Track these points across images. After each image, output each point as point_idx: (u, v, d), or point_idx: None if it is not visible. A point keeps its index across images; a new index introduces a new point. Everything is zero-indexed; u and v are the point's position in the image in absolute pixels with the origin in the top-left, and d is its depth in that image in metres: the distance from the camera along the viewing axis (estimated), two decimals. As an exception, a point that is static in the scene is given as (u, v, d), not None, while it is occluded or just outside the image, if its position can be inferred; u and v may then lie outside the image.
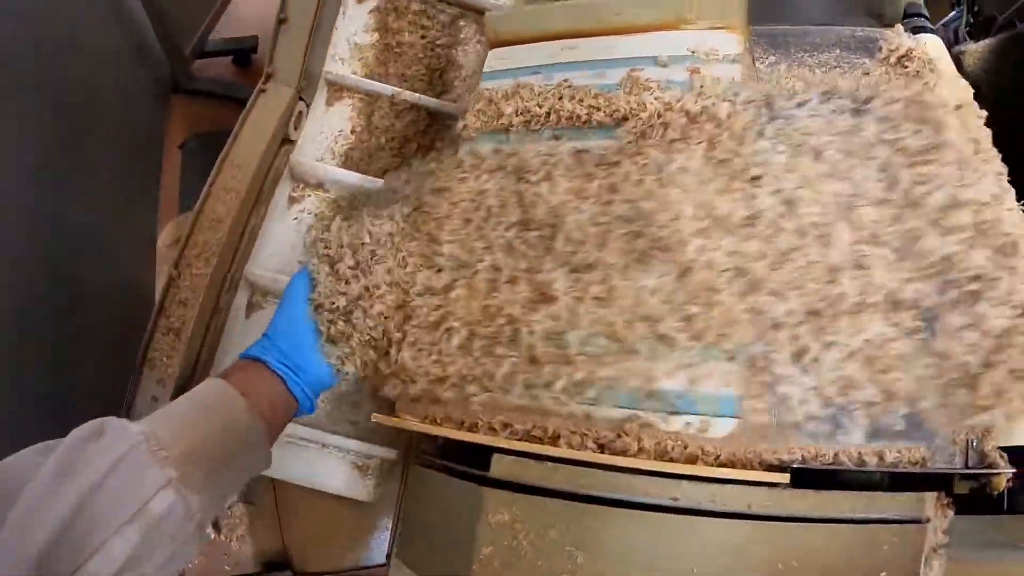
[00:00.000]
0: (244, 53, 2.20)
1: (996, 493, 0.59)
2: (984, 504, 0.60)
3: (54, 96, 1.14)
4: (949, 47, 0.91)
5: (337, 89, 1.26)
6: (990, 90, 0.87)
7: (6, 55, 0.99)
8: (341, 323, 0.76)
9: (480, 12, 1.28)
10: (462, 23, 1.38)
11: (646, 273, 0.68)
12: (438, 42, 1.37)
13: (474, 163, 0.84)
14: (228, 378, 0.70)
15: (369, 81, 1.26)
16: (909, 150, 0.68)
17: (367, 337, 0.77)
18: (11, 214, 1.00)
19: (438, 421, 0.74)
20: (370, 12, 1.33)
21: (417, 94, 1.27)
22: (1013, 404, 0.57)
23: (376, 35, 1.34)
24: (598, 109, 0.79)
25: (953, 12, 1.50)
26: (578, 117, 0.80)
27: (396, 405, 0.78)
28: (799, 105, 0.73)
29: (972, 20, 2.77)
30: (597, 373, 0.66)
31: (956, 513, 0.59)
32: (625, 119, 0.77)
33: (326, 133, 1.25)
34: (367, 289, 0.78)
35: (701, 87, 0.76)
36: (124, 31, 1.49)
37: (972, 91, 0.79)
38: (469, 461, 0.71)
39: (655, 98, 0.77)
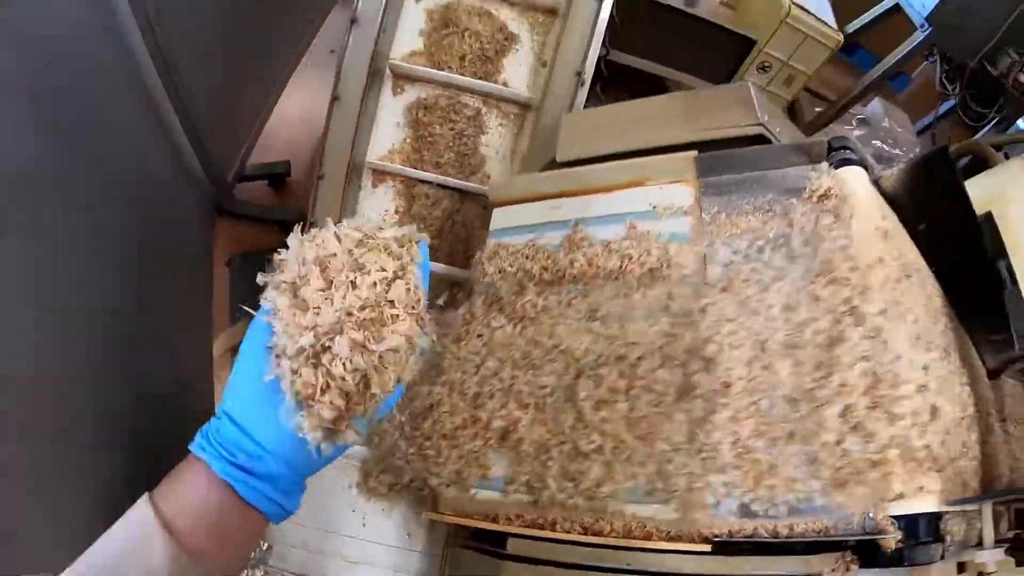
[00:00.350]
0: (278, 176, 2.59)
1: (890, 551, 0.77)
2: (885, 560, 0.79)
3: (120, 216, 1.28)
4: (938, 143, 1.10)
5: (380, 174, 1.58)
6: (909, 209, 1.06)
7: (80, 176, 1.12)
8: (307, 371, 0.60)
9: (499, 100, 1.60)
10: (484, 112, 1.68)
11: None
12: (465, 132, 1.66)
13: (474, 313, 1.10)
14: (160, 498, 0.60)
15: (407, 169, 1.62)
16: (821, 297, 0.88)
17: (348, 386, 0.61)
18: (96, 317, 1.09)
19: (470, 515, 0.98)
20: (406, 107, 1.68)
21: (449, 178, 1.61)
22: (892, 489, 0.77)
23: (410, 130, 1.68)
24: (546, 269, 1.05)
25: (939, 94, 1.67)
26: (537, 273, 1.06)
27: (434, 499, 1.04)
28: (734, 252, 0.95)
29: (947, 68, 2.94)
30: (588, 481, 0.90)
31: (862, 567, 0.78)
32: (564, 276, 1.04)
33: (375, 209, 1.58)
34: (347, 314, 0.61)
35: (641, 241, 1.01)
36: (174, 159, 1.70)
37: (892, 215, 0.98)
38: (493, 542, 0.97)
39: (591, 254, 1.03)
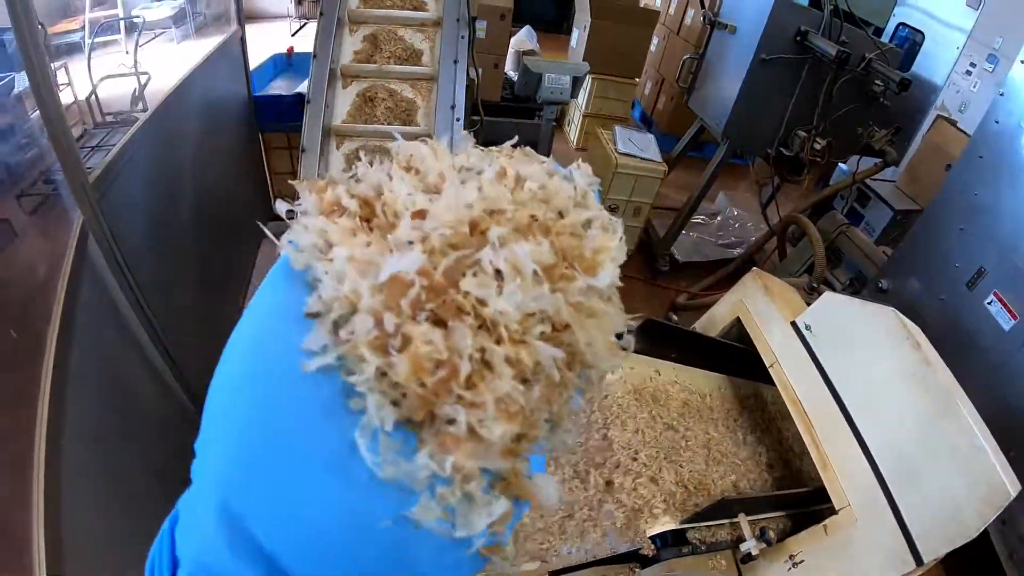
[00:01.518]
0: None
1: (651, 555, 1.45)
2: (650, 562, 1.46)
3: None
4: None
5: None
6: (649, 355, 1.77)
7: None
8: (421, 337, 0.32)
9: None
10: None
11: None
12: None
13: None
14: None
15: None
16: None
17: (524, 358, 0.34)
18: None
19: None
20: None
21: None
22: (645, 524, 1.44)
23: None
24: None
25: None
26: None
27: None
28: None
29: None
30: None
31: (642, 567, 1.45)
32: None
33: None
34: (494, 212, 0.37)
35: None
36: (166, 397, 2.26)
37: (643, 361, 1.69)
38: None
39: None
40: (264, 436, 0.34)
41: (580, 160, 0.50)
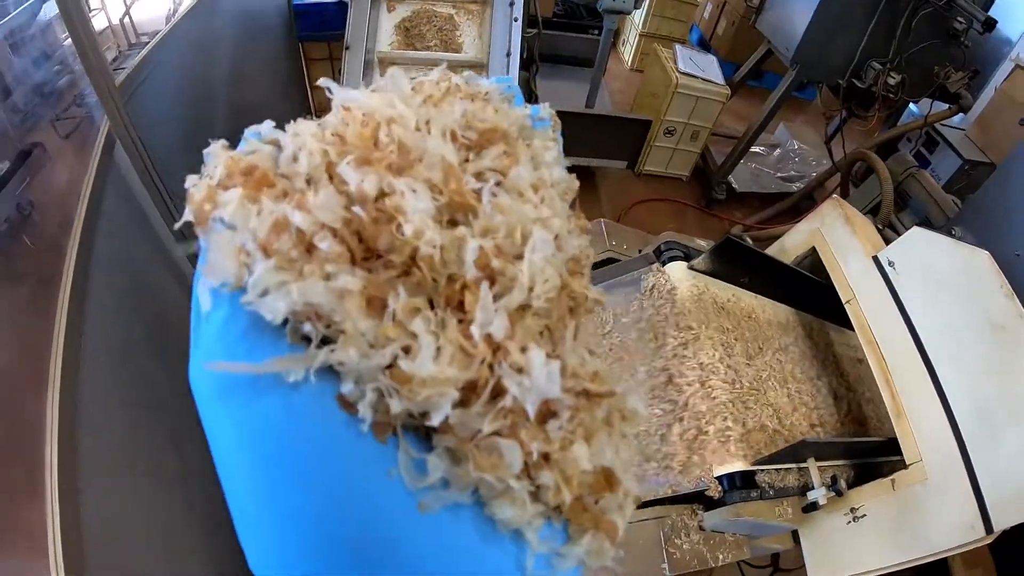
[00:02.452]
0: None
1: (716, 497, 1.33)
2: (715, 504, 1.35)
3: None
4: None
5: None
6: (727, 274, 1.64)
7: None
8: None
9: None
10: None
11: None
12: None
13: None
14: None
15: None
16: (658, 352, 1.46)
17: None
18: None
19: None
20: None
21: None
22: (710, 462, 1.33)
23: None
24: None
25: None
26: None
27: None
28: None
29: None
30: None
31: (705, 510, 1.34)
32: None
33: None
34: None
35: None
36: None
37: (704, 280, 1.56)
38: None
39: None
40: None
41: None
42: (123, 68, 1.88)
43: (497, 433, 0.30)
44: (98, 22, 4.15)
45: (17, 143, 1.97)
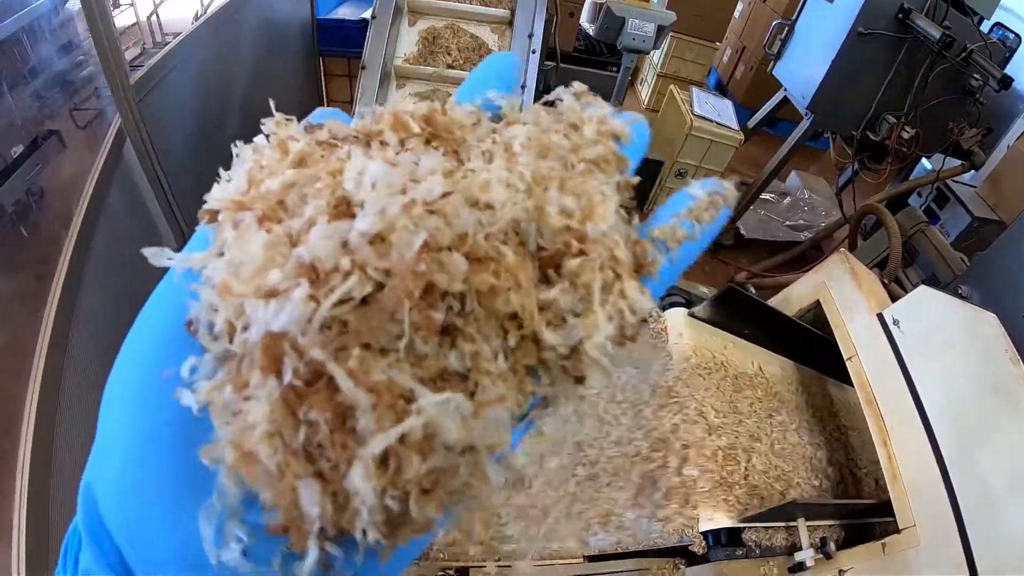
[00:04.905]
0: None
1: (700, 553, 1.29)
2: (698, 560, 1.31)
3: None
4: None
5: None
6: (728, 324, 1.60)
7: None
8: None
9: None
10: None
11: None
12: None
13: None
14: None
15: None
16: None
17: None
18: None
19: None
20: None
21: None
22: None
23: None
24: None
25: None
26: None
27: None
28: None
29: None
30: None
31: (688, 565, 1.30)
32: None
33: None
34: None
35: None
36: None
37: (706, 330, 1.53)
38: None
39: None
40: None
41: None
42: (143, 65, 1.88)
43: None
44: (126, 18, 4.22)
45: (33, 129, 1.98)
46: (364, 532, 0.23)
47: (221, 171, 0.30)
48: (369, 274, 0.23)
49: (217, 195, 0.28)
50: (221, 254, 0.26)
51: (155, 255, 0.27)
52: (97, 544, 0.27)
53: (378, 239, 0.24)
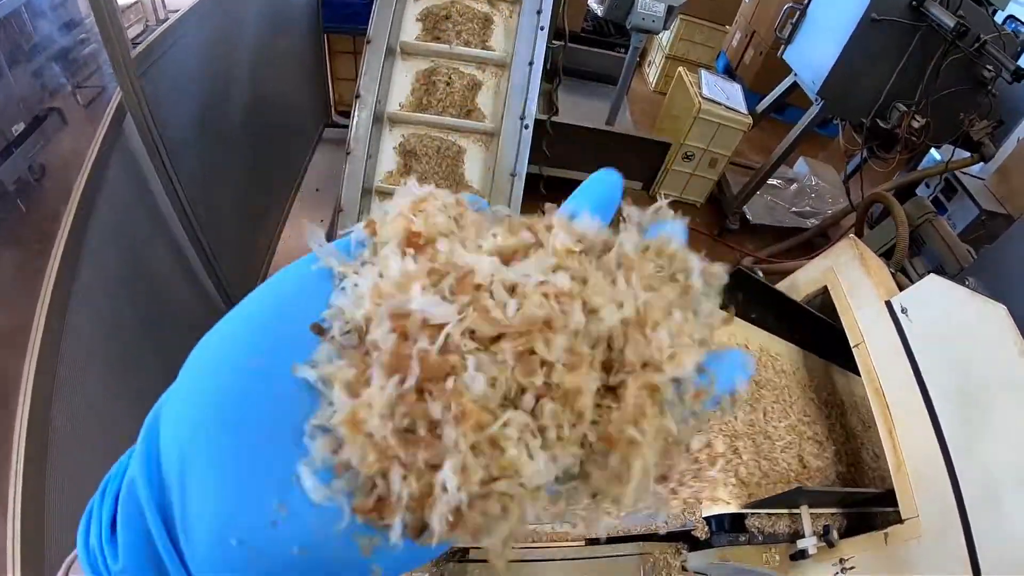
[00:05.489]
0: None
1: (703, 538, 1.28)
2: (701, 545, 1.30)
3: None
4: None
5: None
6: (736, 308, 1.59)
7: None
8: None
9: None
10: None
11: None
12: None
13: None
14: None
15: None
16: None
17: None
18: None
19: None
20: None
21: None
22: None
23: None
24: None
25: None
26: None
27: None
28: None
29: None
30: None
31: (690, 550, 1.29)
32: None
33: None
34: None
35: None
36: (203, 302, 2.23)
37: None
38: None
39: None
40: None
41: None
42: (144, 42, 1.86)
43: None
44: None
45: (35, 106, 1.97)
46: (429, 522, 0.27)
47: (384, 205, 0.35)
48: (496, 321, 0.29)
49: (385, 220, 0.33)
50: (366, 263, 0.32)
51: (320, 249, 0.33)
52: (149, 481, 0.29)
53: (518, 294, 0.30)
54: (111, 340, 1.64)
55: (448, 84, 2.22)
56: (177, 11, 2.08)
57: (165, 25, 1.97)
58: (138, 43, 1.80)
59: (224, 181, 2.45)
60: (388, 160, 2.18)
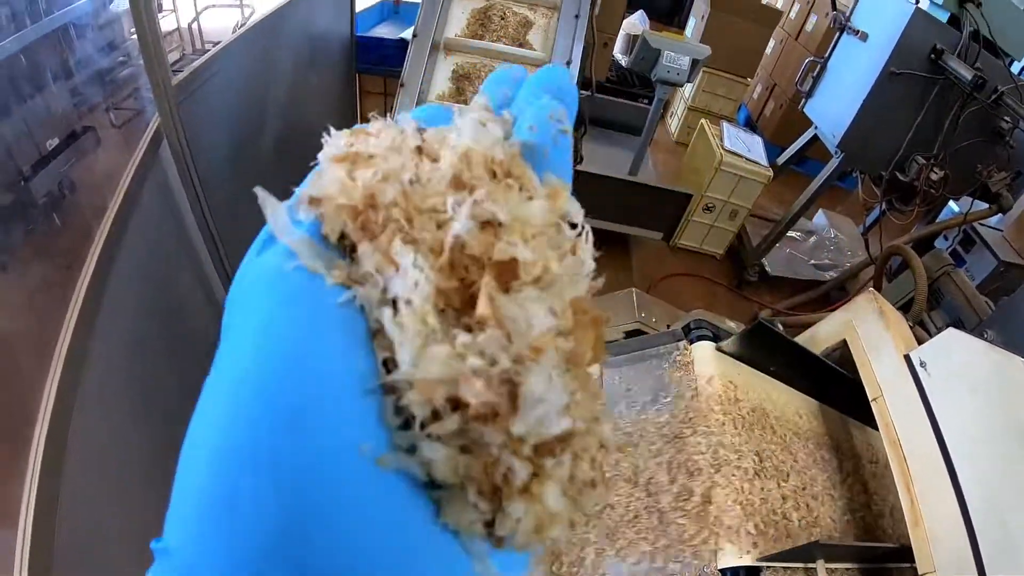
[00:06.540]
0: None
1: None
2: None
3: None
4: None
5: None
6: (755, 360, 1.60)
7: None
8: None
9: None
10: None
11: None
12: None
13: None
14: None
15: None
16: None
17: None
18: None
19: None
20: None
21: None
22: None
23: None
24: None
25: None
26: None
27: None
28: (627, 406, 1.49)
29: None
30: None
31: None
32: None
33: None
34: None
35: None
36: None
37: (730, 363, 1.53)
38: None
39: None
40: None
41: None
42: (182, 71, 1.93)
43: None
44: (168, 23, 4.33)
45: (70, 123, 2.03)
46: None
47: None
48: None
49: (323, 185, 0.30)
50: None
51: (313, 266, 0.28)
52: None
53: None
54: (133, 362, 1.68)
55: (503, 19, 2.36)
56: (218, 42, 2.17)
57: (206, 56, 2.05)
58: (177, 71, 1.87)
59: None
60: (441, 85, 2.36)
